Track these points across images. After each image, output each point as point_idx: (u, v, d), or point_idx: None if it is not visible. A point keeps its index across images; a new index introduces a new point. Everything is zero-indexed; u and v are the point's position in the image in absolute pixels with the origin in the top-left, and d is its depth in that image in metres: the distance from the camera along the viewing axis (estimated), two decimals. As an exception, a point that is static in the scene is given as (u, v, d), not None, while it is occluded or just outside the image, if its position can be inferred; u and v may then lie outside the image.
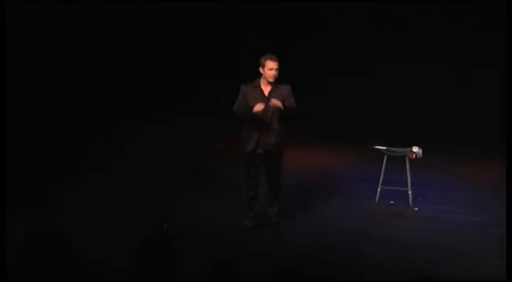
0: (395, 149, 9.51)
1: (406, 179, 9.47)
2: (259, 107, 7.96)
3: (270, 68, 8.10)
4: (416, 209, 9.42)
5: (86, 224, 8.45)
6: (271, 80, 8.14)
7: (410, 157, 9.42)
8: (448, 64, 13.52)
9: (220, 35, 14.00)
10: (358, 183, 10.33)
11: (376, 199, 9.54)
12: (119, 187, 9.87)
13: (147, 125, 12.78)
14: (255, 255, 7.72)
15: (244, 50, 12.35)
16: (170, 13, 13.96)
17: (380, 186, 9.52)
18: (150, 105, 13.42)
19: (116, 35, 13.51)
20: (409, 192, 9.48)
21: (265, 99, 8.11)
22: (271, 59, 8.11)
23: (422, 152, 9.40)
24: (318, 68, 13.88)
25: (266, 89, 8.20)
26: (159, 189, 9.89)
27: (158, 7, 13.86)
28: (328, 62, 13.82)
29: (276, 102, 8.01)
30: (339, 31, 13.93)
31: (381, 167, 9.46)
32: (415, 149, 9.40)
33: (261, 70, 8.17)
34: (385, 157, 9.47)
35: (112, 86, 13.37)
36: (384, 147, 9.53)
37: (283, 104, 8.05)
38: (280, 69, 8.15)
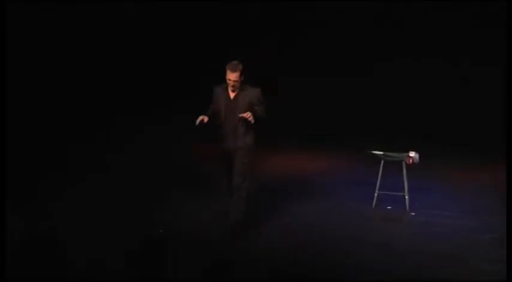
0: (392, 154, 9.47)
1: (403, 183, 9.47)
2: (201, 119, 8.09)
3: (228, 78, 8.17)
4: (413, 213, 9.38)
5: (86, 224, 8.46)
6: (231, 89, 8.21)
7: (407, 162, 9.39)
8: (448, 64, 13.51)
9: (220, 35, 13.98)
10: (355, 187, 10.30)
11: (373, 204, 9.54)
12: (119, 187, 9.88)
13: (147, 125, 12.77)
14: (251, 258, 7.71)
15: (245, 50, 12.35)
16: (170, 13, 13.95)
17: (377, 191, 9.51)
18: (150, 105, 13.40)
19: (116, 35, 13.50)
20: (406, 197, 9.46)
21: (230, 103, 8.21)
22: (229, 69, 8.16)
23: (419, 157, 9.39)
24: (318, 68, 13.88)
25: (232, 93, 8.26)
26: (159, 190, 9.90)
27: (158, 7, 13.85)
28: (328, 62, 13.81)
29: (245, 116, 8.02)
30: (339, 31, 13.92)
31: (378, 171, 9.45)
32: (412, 154, 9.38)
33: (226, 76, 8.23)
34: (382, 162, 9.47)
35: (112, 86, 13.36)
36: (381, 152, 9.50)
37: (253, 113, 8.04)
38: (240, 77, 8.09)
